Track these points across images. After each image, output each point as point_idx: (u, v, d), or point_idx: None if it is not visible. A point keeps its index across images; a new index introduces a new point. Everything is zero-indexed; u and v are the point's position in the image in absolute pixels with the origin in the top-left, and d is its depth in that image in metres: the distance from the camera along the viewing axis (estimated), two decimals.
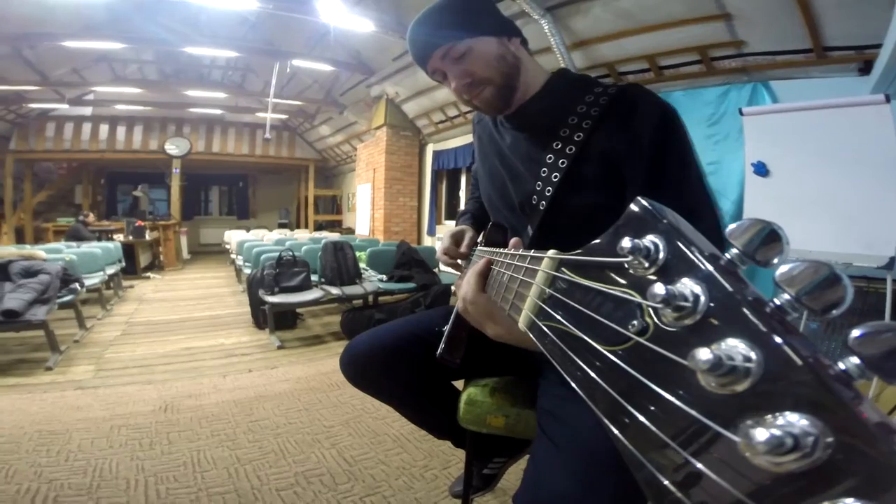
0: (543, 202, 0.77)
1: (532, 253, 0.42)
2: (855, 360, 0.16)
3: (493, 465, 1.24)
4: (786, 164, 2.44)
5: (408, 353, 0.95)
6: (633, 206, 0.27)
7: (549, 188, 0.76)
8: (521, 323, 0.39)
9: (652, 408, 0.21)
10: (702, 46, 3.10)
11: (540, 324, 0.34)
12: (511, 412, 0.94)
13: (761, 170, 2.52)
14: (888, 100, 2.03)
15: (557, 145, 0.76)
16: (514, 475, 1.34)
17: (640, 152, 0.70)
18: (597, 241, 0.30)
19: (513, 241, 0.75)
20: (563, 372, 0.29)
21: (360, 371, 0.98)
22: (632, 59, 3.54)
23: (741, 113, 2.62)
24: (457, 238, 0.98)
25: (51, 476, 1.50)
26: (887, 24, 1.94)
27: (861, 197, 2.14)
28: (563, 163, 0.75)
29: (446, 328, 0.81)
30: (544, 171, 0.77)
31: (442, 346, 0.80)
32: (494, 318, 0.58)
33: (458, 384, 1.08)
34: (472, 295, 0.59)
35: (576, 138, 0.75)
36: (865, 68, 2.52)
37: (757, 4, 2.66)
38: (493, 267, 0.57)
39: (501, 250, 0.55)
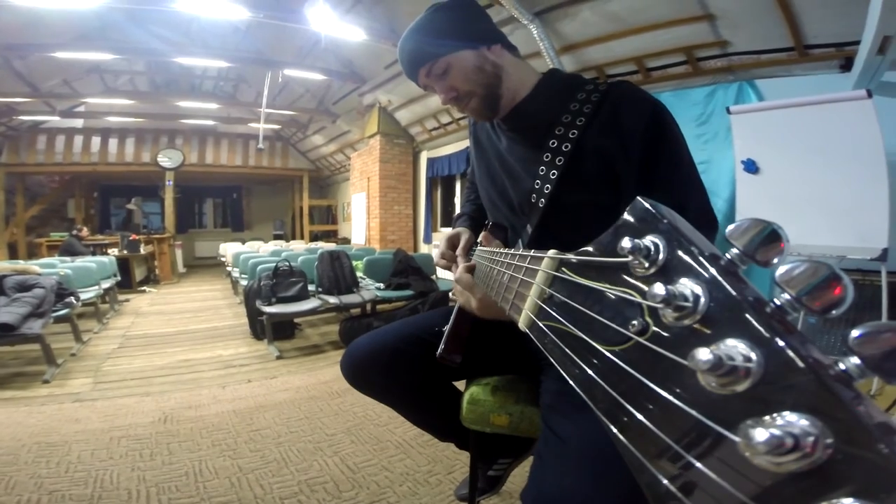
0: (542, 200, 0.78)
1: (532, 253, 0.42)
2: (855, 360, 0.16)
3: (497, 466, 1.23)
4: (775, 161, 2.46)
5: (408, 353, 0.95)
6: (633, 207, 0.27)
7: (548, 186, 0.77)
8: (522, 323, 0.39)
9: (652, 408, 0.21)
10: (688, 47, 3.13)
11: (540, 323, 0.34)
12: (514, 410, 0.93)
13: (751, 167, 2.54)
14: (870, 95, 2.06)
15: (553, 143, 0.78)
16: (519, 477, 1.34)
17: (632, 149, 0.71)
18: (597, 241, 0.30)
19: (482, 235, 0.81)
20: (562, 371, 0.29)
21: (361, 373, 0.98)
22: (620, 61, 3.56)
23: (728, 111, 2.65)
24: (453, 241, 0.99)
25: (51, 487, 1.49)
26: (864, 21, 1.96)
27: (851, 190, 2.16)
28: (560, 160, 0.76)
29: (446, 328, 0.82)
30: (542, 170, 0.78)
31: (442, 345, 0.80)
32: (476, 290, 0.71)
33: (459, 385, 1.08)
34: (458, 273, 0.74)
35: (571, 136, 0.76)
36: (846, 65, 2.55)
37: (739, 4, 2.69)
38: (493, 266, 0.58)
39: (502, 250, 0.56)
